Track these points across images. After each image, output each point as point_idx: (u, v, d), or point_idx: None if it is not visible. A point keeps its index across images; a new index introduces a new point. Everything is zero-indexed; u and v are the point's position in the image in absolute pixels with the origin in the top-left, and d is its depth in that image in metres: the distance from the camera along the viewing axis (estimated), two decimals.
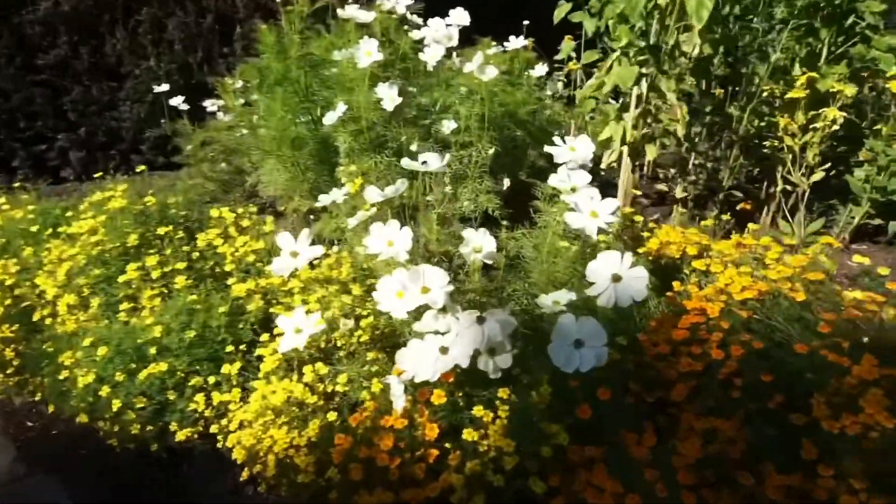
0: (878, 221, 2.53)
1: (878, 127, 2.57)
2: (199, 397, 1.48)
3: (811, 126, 2.42)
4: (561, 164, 1.38)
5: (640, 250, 1.55)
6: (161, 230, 1.76)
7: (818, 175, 2.45)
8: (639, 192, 2.34)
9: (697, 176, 2.43)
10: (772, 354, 1.23)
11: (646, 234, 1.68)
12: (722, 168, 2.47)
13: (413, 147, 1.84)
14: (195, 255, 1.77)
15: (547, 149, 1.40)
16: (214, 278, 1.73)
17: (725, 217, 2.59)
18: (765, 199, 2.65)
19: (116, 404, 1.46)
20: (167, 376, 1.50)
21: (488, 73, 1.77)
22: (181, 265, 1.67)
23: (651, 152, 2.29)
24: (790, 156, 2.48)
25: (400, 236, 1.28)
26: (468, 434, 1.19)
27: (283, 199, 2.36)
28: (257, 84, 2.25)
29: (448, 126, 1.93)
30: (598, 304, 1.15)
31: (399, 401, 1.19)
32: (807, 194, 2.50)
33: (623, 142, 1.98)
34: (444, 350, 1.16)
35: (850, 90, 2.33)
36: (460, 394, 1.24)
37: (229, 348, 1.54)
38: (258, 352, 1.51)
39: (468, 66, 1.78)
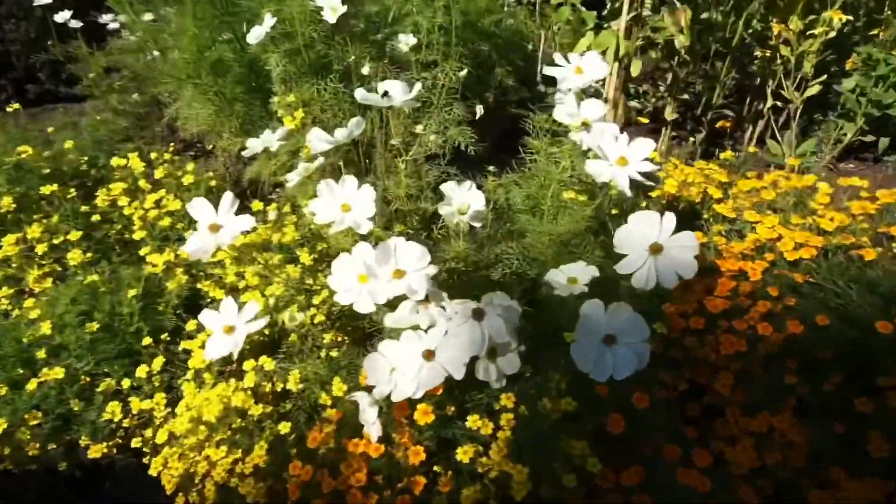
0: (870, 138, 2.28)
1: (875, 32, 2.27)
2: (114, 406, 1.12)
3: (807, 33, 2.09)
4: (560, 90, 1.02)
5: (653, 194, 1.23)
6: (46, 189, 1.33)
7: (813, 89, 2.15)
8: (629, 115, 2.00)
9: (688, 94, 2.09)
10: (836, 330, 0.95)
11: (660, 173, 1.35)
12: (713, 84, 2.14)
13: (365, 70, 1.43)
14: (96, 217, 1.36)
15: (546, 70, 1.03)
16: (122, 249, 1.34)
17: (699, 137, 2.30)
18: (751, 116, 2.35)
19: (1, 424, 1.09)
20: (66, 383, 1.13)
21: None
22: (75, 234, 1.26)
23: (636, 67, 1.93)
24: (782, 68, 2.17)
25: (359, 198, 0.91)
26: (463, 453, 0.89)
27: (210, 136, 1.92)
28: None
29: (406, 41, 1.52)
30: (633, 285, 0.83)
31: (373, 428, 0.86)
32: (799, 111, 2.21)
33: (616, 55, 1.61)
34: (428, 355, 0.84)
35: None
36: (450, 400, 0.92)
37: (147, 341, 1.17)
38: (184, 345, 1.15)
39: None
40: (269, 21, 1.34)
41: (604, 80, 2.03)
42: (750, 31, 2.17)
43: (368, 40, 1.59)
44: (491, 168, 1.16)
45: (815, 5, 2.08)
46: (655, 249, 0.84)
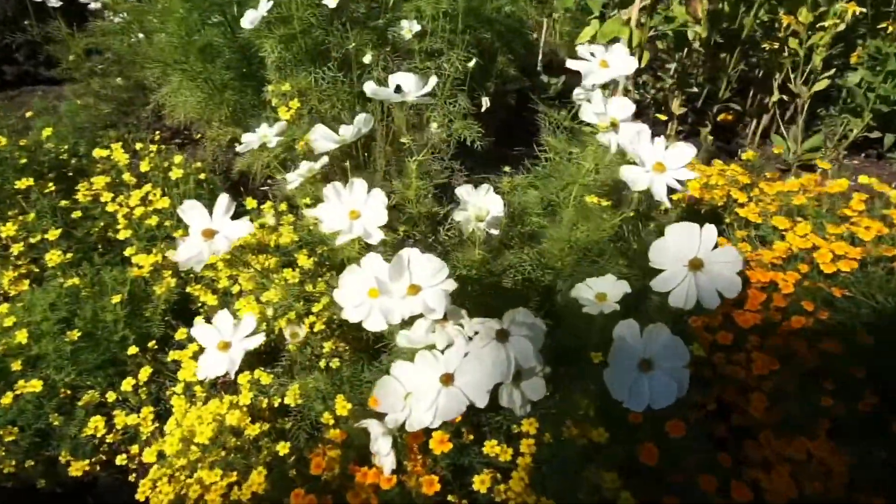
0: (875, 134, 2.21)
1: (884, 25, 2.19)
2: (97, 420, 1.03)
3: (818, 25, 2.02)
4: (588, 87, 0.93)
5: (675, 197, 1.15)
6: (22, 183, 1.21)
7: (822, 83, 2.08)
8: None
9: (696, 87, 2.00)
10: (873, 348, 0.89)
11: None
12: (720, 77, 2.06)
13: (366, 59, 1.33)
14: (76, 214, 1.25)
15: (569, 64, 0.94)
16: (105, 248, 1.23)
17: (705, 131, 2.22)
18: (755, 110, 2.28)
19: None
20: (45, 397, 1.03)
21: None
22: (54, 233, 1.15)
23: (645, 59, 1.85)
24: (790, 61, 2.09)
25: (369, 203, 0.82)
26: (480, 482, 0.81)
27: (198, 125, 1.81)
28: None
29: (409, 28, 1.41)
30: (670, 304, 0.75)
31: (386, 459, 0.78)
32: (806, 106, 2.14)
33: (630, 46, 1.52)
34: (447, 379, 0.75)
35: None
36: (467, 425, 0.84)
37: (133, 350, 1.07)
38: (174, 355, 1.05)
39: None
40: (264, 4, 1.23)
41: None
42: (758, 21, 2.09)
43: (368, 26, 1.48)
44: (507, 168, 1.07)
45: None
46: (696, 265, 0.76)
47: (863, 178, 1.28)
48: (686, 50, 1.88)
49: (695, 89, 1.93)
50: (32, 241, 1.16)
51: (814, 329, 0.92)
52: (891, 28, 2.12)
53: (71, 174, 1.55)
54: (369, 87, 0.87)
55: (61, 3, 1.94)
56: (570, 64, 0.94)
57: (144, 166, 1.29)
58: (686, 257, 0.76)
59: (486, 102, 1.46)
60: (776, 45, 2.08)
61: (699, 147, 2.17)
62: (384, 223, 0.80)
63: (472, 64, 1.29)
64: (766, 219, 1.09)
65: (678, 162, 0.80)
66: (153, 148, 1.33)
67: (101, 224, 1.26)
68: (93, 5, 2.01)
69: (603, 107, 0.89)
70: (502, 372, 0.74)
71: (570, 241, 0.91)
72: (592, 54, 0.96)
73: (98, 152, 1.31)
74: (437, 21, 1.42)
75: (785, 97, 2.15)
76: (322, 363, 1.03)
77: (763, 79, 2.19)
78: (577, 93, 1.06)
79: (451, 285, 0.76)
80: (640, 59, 1.67)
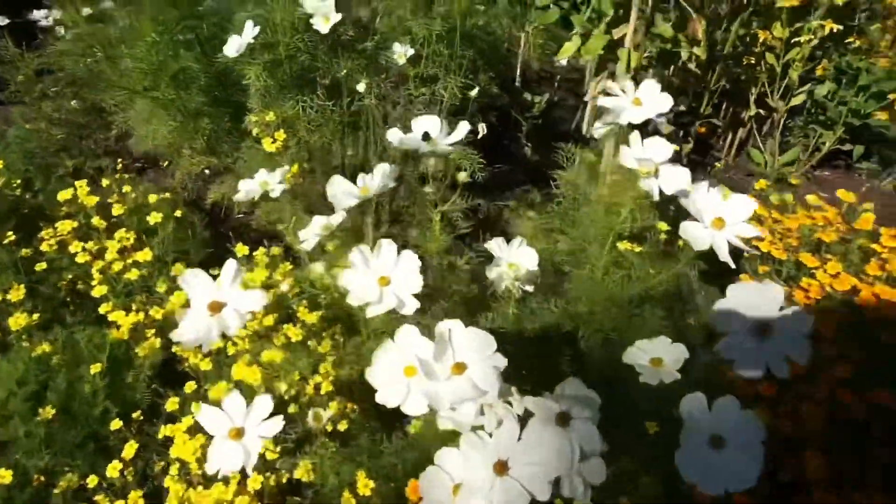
0: (847, 147, 2.23)
1: (851, 39, 2.20)
2: None
3: (793, 41, 2.01)
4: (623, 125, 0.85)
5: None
6: None
7: (799, 98, 2.07)
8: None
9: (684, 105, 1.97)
10: None
11: None
12: (702, 93, 2.03)
13: (360, 87, 1.22)
14: (41, 266, 1.10)
15: (600, 102, 0.86)
16: (74, 302, 1.08)
17: (687, 148, 2.20)
18: (729, 123, 2.26)
19: None
20: (16, 487, 0.89)
21: None
22: (18, 292, 1.00)
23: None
24: (766, 75, 2.08)
25: (400, 267, 0.72)
26: None
27: (166, 153, 1.65)
28: None
29: (402, 52, 1.31)
30: (738, 372, 0.68)
31: None
32: (783, 120, 2.14)
33: (627, 68, 1.46)
34: (500, 469, 0.66)
35: None
36: None
37: (116, 425, 0.94)
38: (165, 431, 0.92)
39: None
40: (250, 30, 1.11)
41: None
42: (738, 37, 2.07)
43: (357, 49, 1.37)
44: (532, 214, 0.98)
45: (802, 13, 1.99)
46: (764, 330, 0.69)
47: (842, 194, 1.24)
48: (672, 68, 1.84)
49: (682, 108, 1.89)
50: None
51: (860, 376, 0.87)
52: (857, 42, 2.13)
53: (26, 211, 1.39)
54: (395, 137, 0.76)
55: (8, 20, 1.75)
56: (601, 101, 0.86)
57: (117, 209, 1.15)
58: (753, 320, 0.69)
59: (482, 129, 1.37)
60: (752, 60, 2.07)
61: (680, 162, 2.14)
62: (418, 290, 0.70)
63: (474, 93, 1.19)
64: (790, 254, 1.04)
65: (738, 216, 0.73)
66: (127, 189, 1.18)
67: (70, 276, 1.12)
68: (44, 22, 1.82)
69: (642, 150, 0.81)
70: (566, 462, 0.65)
71: (614, 299, 0.83)
72: (623, 90, 0.88)
73: (62, 195, 1.16)
74: (431, 45, 1.32)
75: (762, 111, 2.15)
76: (328, 426, 0.91)
77: (737, 92, 2.17)
78: (598, 128, 0.98)
79: (502, 362, 0.67)
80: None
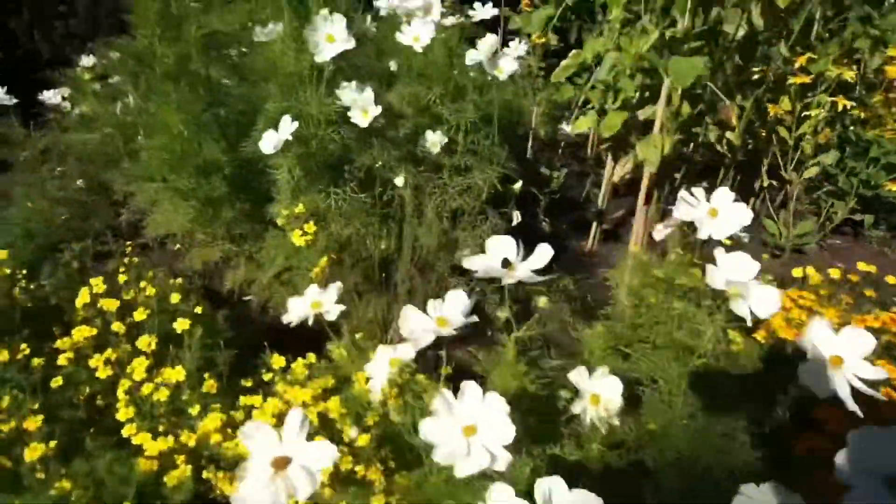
0: (858, 217, 2.23)
1: (853, 112, 2.22)
2: None
3: (803, 115, 2.02)
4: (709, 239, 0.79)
5: (759, 336, 1.02)
6: None
7: (812, 171, 2.07)
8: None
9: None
10: None
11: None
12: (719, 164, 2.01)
13: (398, 181, 1.16)
14: (56, 382, 0.99)
15: (677, 213, 0.81)
16: (91, 417, 0.98)
17: None
18: (743, 195, 2.25)
19: None
20: None
21: (506, 66, 1.11)
22: (34, 421, 0.89)
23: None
24: (778, 147, 2.07)
25: (486, 413, 0.64)
26: None
27: (180, 238, 1.57)
28: (128, 72, 1.42)
29: (437, 141, 1.26)
30: None
31: None
32: (796, 192, 2.13)
33: (661, 157, 1.42)
34: None
35: (850, 73, 1.93)
36: None
37: None
38: None
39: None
40: (288, 126, 1.05)
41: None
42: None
43: (386, 136, 1.32)
44: (599, 328, 0.92)
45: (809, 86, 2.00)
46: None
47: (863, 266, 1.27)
48: (692, 144, 1.82)
49: (705, 184, 1.86)
50: (4, 430, 0.89)
51: None
52: (862, 114, 2.15)
53: (30, 305, 1.29)
54: (478, 265, 0.69)
55: (16, 98, 1.66)
56: (679, 213, 0.81)
57: (139, 315, 1.05)
58: (884, 473, 0.62)
59: (517, 217, 1.32)
60: (764, 133, 2.07)
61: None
62: (510, 440, 0.62)
63: (518, 186, 1.14)
64: None
65: (858, 351, 0.66)
66: (149, 290, 1.09)
67: (86, 390, 1.01)
68: (53, 100, 1.75)
69: (728, 269, 0.75)
70: None
71: (706, 433, 0.75)
72: (693, 195, 0.83)
73: (81, 299, 1.06)
74: (469, 133, 1.27)
75: (774, 182, 2.14)
76: None
77: (751, 164, 2.17)
78: (660, 230, 0.93)
79: None
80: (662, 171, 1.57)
